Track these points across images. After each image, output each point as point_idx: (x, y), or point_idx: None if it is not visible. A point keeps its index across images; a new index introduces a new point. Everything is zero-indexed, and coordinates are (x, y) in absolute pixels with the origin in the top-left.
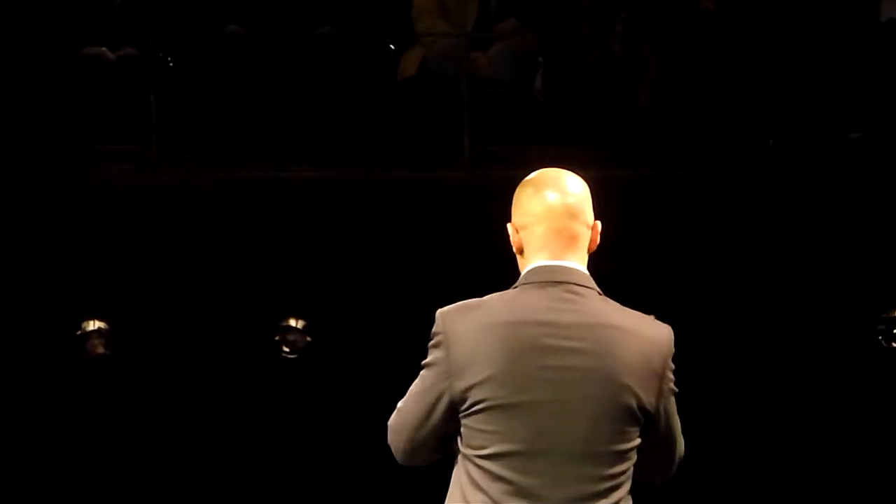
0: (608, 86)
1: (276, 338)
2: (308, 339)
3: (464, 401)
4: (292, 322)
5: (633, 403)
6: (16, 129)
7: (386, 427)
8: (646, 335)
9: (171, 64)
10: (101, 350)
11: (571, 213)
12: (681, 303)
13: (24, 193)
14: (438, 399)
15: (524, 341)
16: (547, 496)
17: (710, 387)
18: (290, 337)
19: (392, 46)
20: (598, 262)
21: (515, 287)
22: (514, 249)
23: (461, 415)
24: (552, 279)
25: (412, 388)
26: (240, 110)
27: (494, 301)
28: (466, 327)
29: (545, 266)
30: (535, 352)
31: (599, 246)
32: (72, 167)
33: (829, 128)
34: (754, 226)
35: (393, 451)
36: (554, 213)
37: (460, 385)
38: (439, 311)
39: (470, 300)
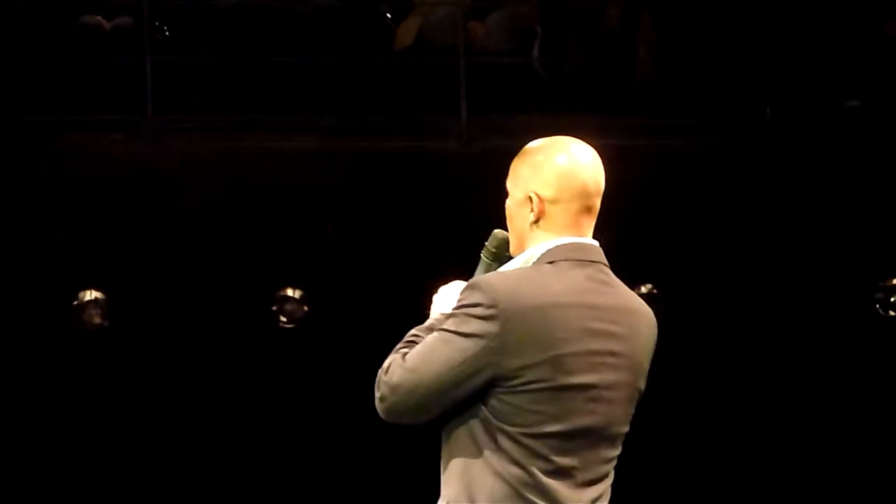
0: (605, 55)
1: (274, 308)
2: (305, 308)
3: (512, 378)
4: (290, 292)
5: (642, 386)
6: (11, 98)
7: None
8: (650, 318)
9: (167, 33)
10: (97, 320)
11: (600, 192)
12: (677, 273)
13: (19, 163)
14: (479, 371)
15: (576, 324)
16: (578, 476)
17: (710, 356)
18: (288, 307)
19: (389, 16)
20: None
21: (550, 262)
22: (528, 219)
23: (503, 391)
24: (586, 258)
25: (437, 351)
26: (237, 80)
27: (542, 278)
28: (525, 304)
29: (577, 244)
30: (585, 335)
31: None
32: (68, 137)
33: (826, 96)
34: (752, 195)
35: (386, 404)
36: (588, 192)
37: (514, 363)
38: (484, 281)
39: (510, 272)
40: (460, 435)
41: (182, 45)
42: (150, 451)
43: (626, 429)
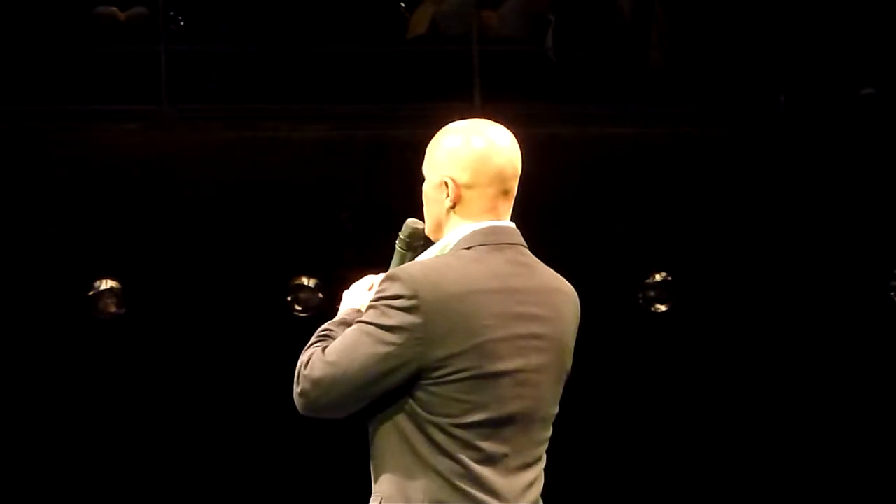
0: (619, 43)
1: (289, 297)
2: (320, 296)
3: (438, 369)
4: (305, 280)
5: (569, 366)
6: (28, 88)
7: None
8: (573, 297)
9: (181, 23)
10: (113, 309)
11: (517, 175)
12: (691, 261)
13: (35, 152)
14: (404, 364)
15: (500, 309)
16: (511, 462)
17: (724, 344)
18: (303, 295)
19: (402, 4)
20: None
21: (468, 248)
22: (444, 205)
23: (429, 382)
24: (505, 241)
25: (360, 343)
26: (251, 69)
27: (462, 265)
28: (446, 293)
29: (493, 227)
30: (509, 320)
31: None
32: (83, 126)
33: (840, 84)
34: (765, 183)
35: (307, 399)
36: (505, 176)
37: (439, 354)
38: (403, 272)
39: (429, 262)
40: (388, 429)
41: (197, 34)
42: (166, 440)
43: (555, 410)
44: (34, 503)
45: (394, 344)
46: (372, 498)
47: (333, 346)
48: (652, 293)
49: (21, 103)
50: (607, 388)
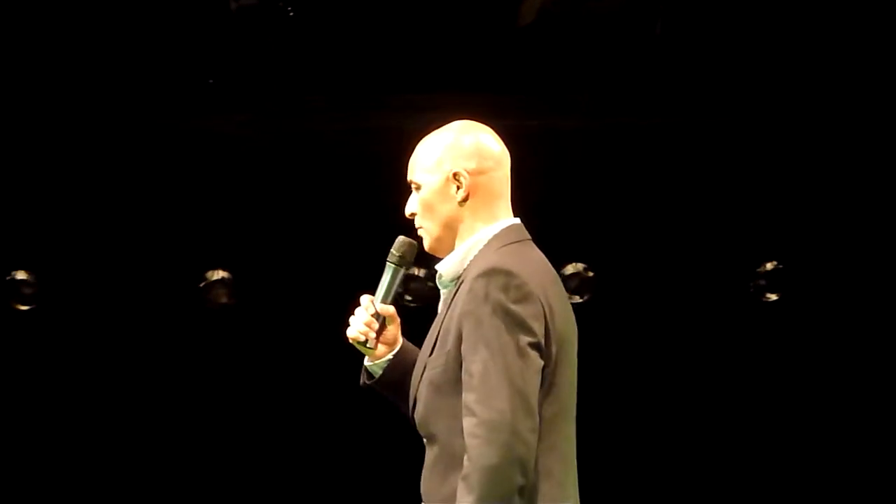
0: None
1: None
2: (430, 285)
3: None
4: (415, 271)
5: None
6: (136, 82)
7: None
8: None
9: (291, 13)
10: (224, 299)
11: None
12: (803, 249)
13: (145, 145)
14: (543, 348)
15: (560, 298)
16: (573, 452)
17: (834, 332)
18: (414, 285)
19: None
20: None
21: (504, 245)
22: (455, 200)
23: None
24: (526, 237)
25: (509, 371)
26: (360, 58)
27: (518, 256)
28: (532, 277)
29: (514, 226)
30: (566, 310)
31: None
32: (192, 118)
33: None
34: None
35: (512, 457)
36: (506, 159)
37: (551, 358)
38: (496, 265)
39: (497, 252)
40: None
41: (306, 25)
42: (276, 426)
43: None
44: (149, 489)
45: (535, 334)
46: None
47: (482, 393)
48: (763, 282)
49: (127, 97)
50: (719, 378)
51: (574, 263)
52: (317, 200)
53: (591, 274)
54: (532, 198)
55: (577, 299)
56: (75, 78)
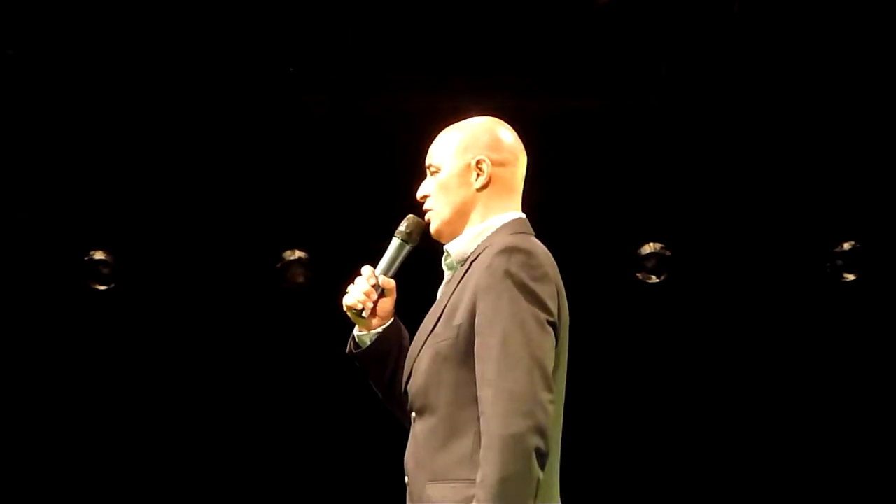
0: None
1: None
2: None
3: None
4: None
5: None
6: (216, 62)
7: None
8: None
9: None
10: (300, 279)
11: None
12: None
13: (226, 126)
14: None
15: (563, 288)
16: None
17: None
18: None
19: None
20: None
21: (515, 233)
22: (473, 186)
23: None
24: (532, 233)
25: (530, 343)
26: (432, 40)
27: (545, 251)
28: (547, 261)
29: (523, 218)
30: (565, 299)
31: None
32: (272, 97)
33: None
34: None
35: (534, 426)
36: (525, 160)
37: (558, 342)
38: (512, 244)
39: (526, 241)
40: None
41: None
42: (355, 405)
43: None
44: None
45: (551, 313)
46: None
47: (502, 365)
48: (840, 262)
49: (209, 78)
50: (796, 359)
51: (651, 243)
52: (394, 180)
53: (668, 253)
54: (609, 177)
55: (654, 279)
56: (153, 61)
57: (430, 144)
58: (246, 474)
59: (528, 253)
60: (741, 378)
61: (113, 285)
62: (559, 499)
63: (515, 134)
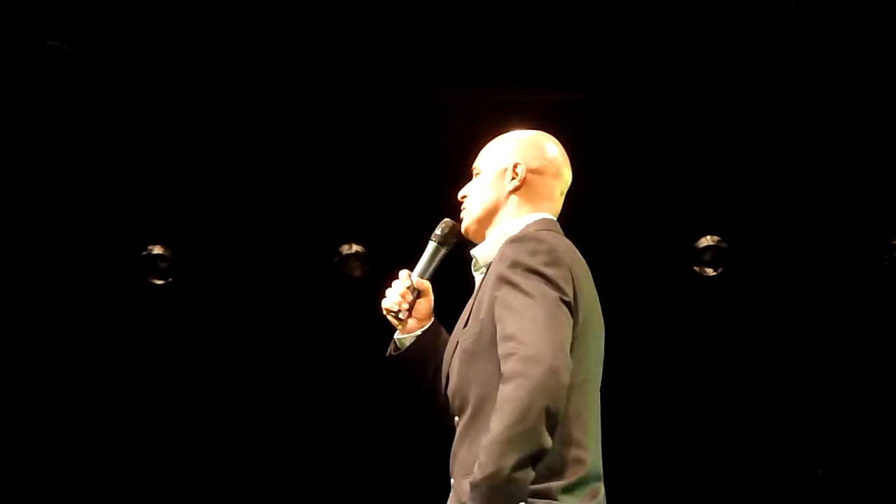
0: None
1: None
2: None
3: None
4: None
5: None
6: (279, 54)
7: None
8: None
9: None
10: (358, 273)
11: (568, 185)
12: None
13: (283, 121)
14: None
15: (588, 279)
16: (597, 428)
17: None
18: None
19: None
20: None
21: (548, 230)
22: (507, 188)
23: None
24: (560, 230)
25: (546, 316)
26: (488, 34)
27: (567, 245)
28: (564, 251)
29: (550, 219)
30: (593, 292)
31: None
32: (330, 91)
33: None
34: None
35: (546, 388)
36: (566, 178)
37: (578, 325)
38: (526, 238)
39: (540, 232)
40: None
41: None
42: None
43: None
44: (295, 450)
45: (564, 293)
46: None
47: (519, 338)
48: None
49: (265, 72)
50: (853, 350)
51: (709, 236)
52: (452, 175)
53: (725, 246)
54: (667, 170)
55: (711, 272)
56: (214, 57)
57: (487, 139)
58: (313, 461)
59: (536, 240)
60: (799, 371)
61: (170, 280)
62: (600, 477)
63: (562, 150)
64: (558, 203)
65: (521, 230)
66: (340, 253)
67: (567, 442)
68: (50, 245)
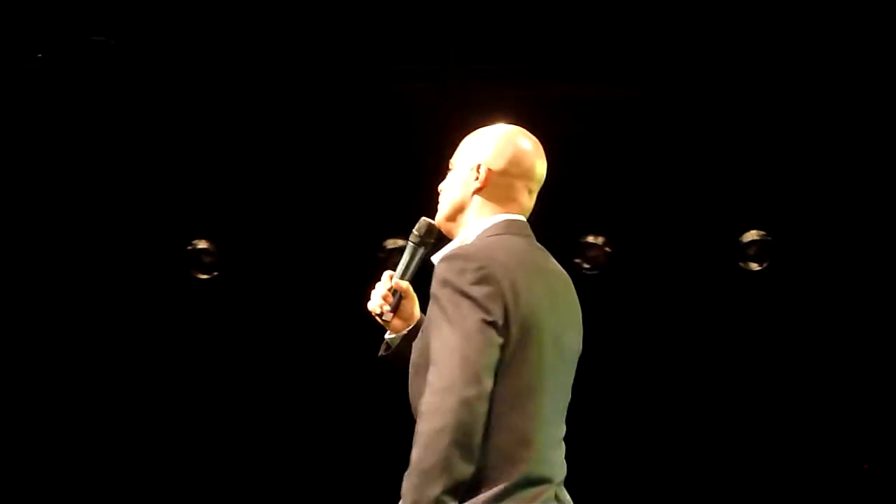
0: None
1: (577, 259)
2: (608, 251)
3: (507, 337)
4: (590, 238)
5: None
6: (321, 51)
7: None
8: (572, 285)
9: None
10: None
11: (542, 181)
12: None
13: (327, 115)
14: (502, 328)
15: (540, 285)
16: (554, 433)
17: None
18: (591, 253)
19: None
20: None
21: (493, 236)
22: (471, 188)
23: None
24: (522, 232)
25: (464, 340)
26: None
27: (498, 245)
28: (502, 263)
29: (512, 219)
30: (547, 297)
31: None
32: (372, 87)
33: None
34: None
35: (455, 422)
36: (534, 176)
37: (508, 319)
38: (459, 251)
39: (471, 243)
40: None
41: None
42: None
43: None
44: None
45: (490, 313)
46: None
47: (439, 366)
48: None
49: (313, 66)
50: None
51: (754, 230)
52: None
53: (770, 240)
54: (713, 166)
55: (756, 267)
56: (262, 54)
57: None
58: (356, 456)
59: (465, 258)
60: (847, 366)
61: (215, 274)
62: (548, 480)
63: (533, 148)
64: (528, 201)
65: (479, 237)
66: (385, 247)
67: (500, 454)
68: (96, 240)
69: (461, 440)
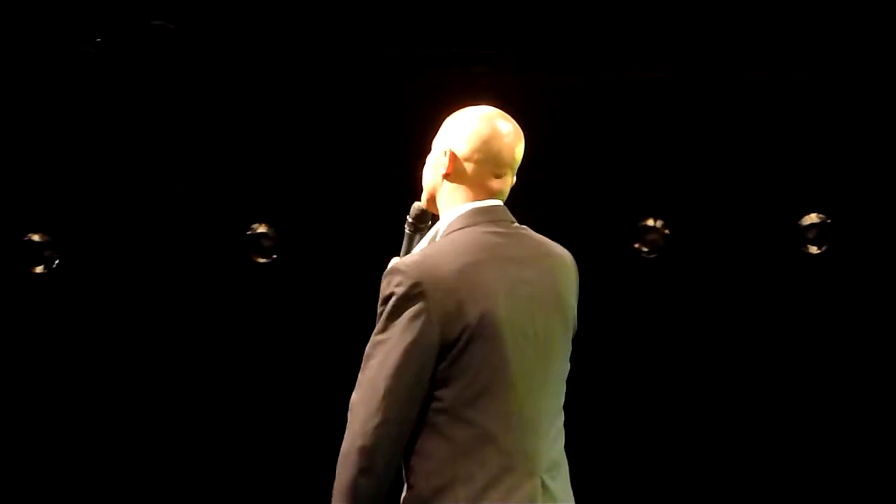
0: None
1: (636, 244)
2: (667, 233)
3: (455, 344)
4: (650, 222)
5: (574, 323)
6: (375, 33)
7: None
8: (566, 259)
9: None
10: None
11: (514, 165)
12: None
13: (382, 99)
14: (430, 348)
15: (497, 276)
16: (529, 419)
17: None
18: (650, 236)
19: None
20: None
21: (458, 230)
22: (440, 173)
23: (448, 360)
24: (490, 218)
25: (387, 356)
26: (591, 12)
27: (453, 246)
28: (446, 272)
29: (481, 207)
30: (506, 284)
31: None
32: (429, 70)
33: None
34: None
35: (353, 447)
36: (501, 160)
37: (455, 329)
38: (399, 265)
39: (423, 250)
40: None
41: None
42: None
43: (567, 366)
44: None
45: (417, 333)
46: (410, 492)
47: (358, 383)
48: None
49: (365, 49)
50: None
51: (814, 213)
52: (547, 151)
53: (829, 222)
54: (772, 148)
55: (815, 250)
56: (315, 40)
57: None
58: None
59: (401, 272)
60: None
61: (274, 258)
62: (540, 469)
63: (502, 130)
64: (498, 184)
65: (446, 230)
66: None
67: (465, 455)
68: (156, 225)
69: (363, 464)
